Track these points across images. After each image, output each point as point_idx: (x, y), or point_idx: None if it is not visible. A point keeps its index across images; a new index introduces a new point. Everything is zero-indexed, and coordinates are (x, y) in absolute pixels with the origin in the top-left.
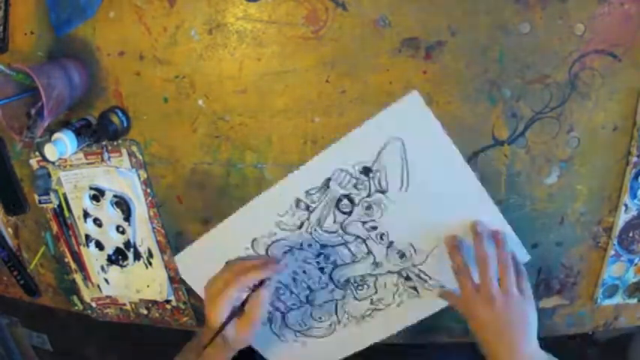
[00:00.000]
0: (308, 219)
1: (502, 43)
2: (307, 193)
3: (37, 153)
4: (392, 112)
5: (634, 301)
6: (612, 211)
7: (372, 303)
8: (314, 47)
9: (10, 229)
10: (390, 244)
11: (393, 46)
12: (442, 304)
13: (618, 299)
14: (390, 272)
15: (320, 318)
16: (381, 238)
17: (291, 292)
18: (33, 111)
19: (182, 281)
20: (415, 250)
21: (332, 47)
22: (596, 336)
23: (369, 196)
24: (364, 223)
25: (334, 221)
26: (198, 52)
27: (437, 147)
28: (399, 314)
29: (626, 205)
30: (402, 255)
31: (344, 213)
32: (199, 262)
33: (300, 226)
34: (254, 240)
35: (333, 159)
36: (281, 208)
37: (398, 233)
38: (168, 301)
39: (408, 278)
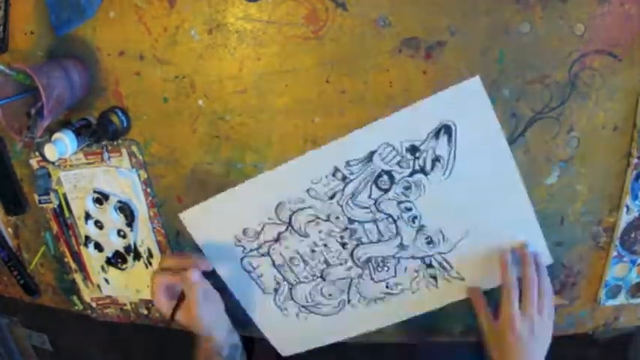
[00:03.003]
0: (342, 190)
1: (502, 43)
2: (347, 163)
3: (37, 153)
4: (450, 95)
5: (637, 301)
6: (612, 211)
7: (387, 287)
8: (314, 47)
9: (10, 229)
10: (421, 228)
11: (393, 46)
12: (454, 297)
13: (621, 300)
14: (413, 257)
15: (330, 295)
16: (413, 220)
17: (306, 264)
18: (33, 111)
19: None
20: (444, 238)
21: (332, 47)
22: (596, 336)
23: (410, 175)
24: (399, 202)
25: (369, 196)
26: (198, 52)
27: (488, 137)
28: (411, 302)
29: (627, 207)
30: (430, 241)
31: (381, 189)
32: (212, 219)
33: (332, 197)
34: (279, 204)
35: (382, 132)
36: (316, 175)
37: (431, 218)
38: None
39: (430, 265)
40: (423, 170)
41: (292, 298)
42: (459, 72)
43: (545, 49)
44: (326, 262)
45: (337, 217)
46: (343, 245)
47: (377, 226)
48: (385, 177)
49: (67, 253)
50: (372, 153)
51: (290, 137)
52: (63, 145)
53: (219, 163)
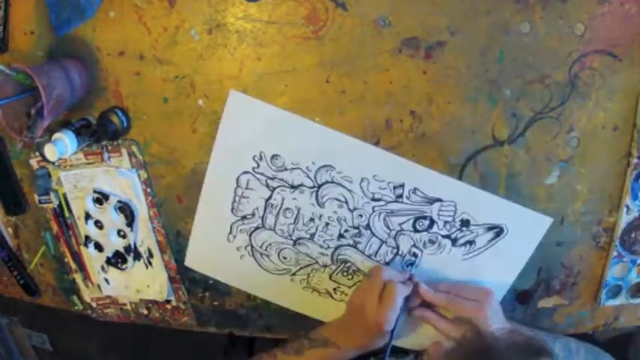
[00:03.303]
0: (387, 203)
1: (502, 43)
2: (415, 190)
3: (37, 153)
4: (521, 212)
5: (637, 301)
6: (612, 211)
7: (335, 291)
8: (314, 47)
9: (10, 229)
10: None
11: (393, 46)
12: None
13: (621, 300)
14: (414, 246)
15: (284, 259)
16: (409, 265)
17: (294, 223)
18: (33, 111)
19: (182, 281)
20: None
21: (332, 47)
22: (596, 336)
23: (443, 236)
24: (414, 245)
25: (400, 224)
26: (198, 52)
27: (516, 260)
28: (333, 306)
29: (627, 207)
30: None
31: (413, 228)
32: (255, 112)
33: (374, 200)
34: (327, 167)
35: (459, 194)
36: (382, 175)
37: (421, 274)
38: (168, 301)
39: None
40: (454, 240)
41: (249, 235)
42: (459, 72)
43: (545, 49)
44: (311, 235)
45: (360, 215)
46: (340, 236)
47: (380, 247)
48: (427, 223)
49: (67, 253)
50: (437, 200)
51: None
52: (63, 145)
53: None
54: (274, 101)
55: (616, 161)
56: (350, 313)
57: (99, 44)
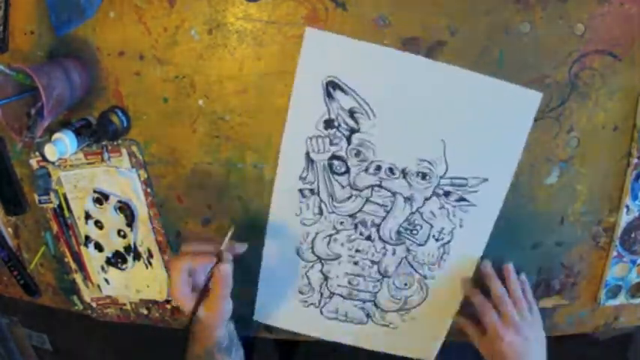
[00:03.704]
0: (322, 201)
1: (502, 43)
2: (301, 178)
3: (37, 153)
4: (306, 58)
5: (637, 301)
6: (612, 211)
7: (436, 240)
8: None
9: (10, 229)
10: (403, 172)
11: (393, 46)
12: (498, 198)
13: (621, 299)
14: (426, 199)
15: (405, 284)
16: (392, 172)
17: (364, 278)
18: (33, 111)
19: None
20: (430, 162)
21: None
22: (596, 336)
23: (349, 143)
24: (366, 170)
25: (342, 187)
26: (198, 52)
27: (364, 58)
28: (469, 233)
29: (627, 207)
30: (424, 175)
31: (342, 174)
32: (275, 303)
33: (321, 212)
34: (298, 250)
35: (296, 133)
36: (294, 207)
37: (402, 157)
38: (168, 301)
39: (447, 193)
40: (352, 130)
41: (383, 310)
42: None
43: (545, 49)
44: (372, 262)
45: (341, 223)
46: (369, 238)
47: (373, 202)
48: (335, 162)
49: (67, 253)
50: (308, 154)
51: None
52: (63, 145)
53: (219, 163)
54: (274, 101)
55: (616, 161)
56: None
57: (99, 44)
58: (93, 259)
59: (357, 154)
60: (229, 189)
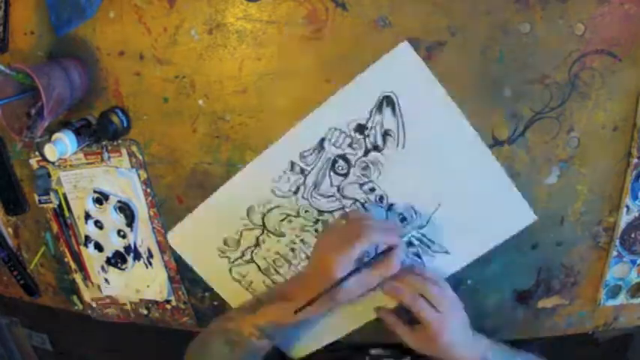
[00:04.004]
0: (304, 183)
1: (502, 43)
2: (301, 155)
3: (37, 153)
4: (382, 66)
5: (637, 301)
6: (613, 211)
7: None
8: (314, 47)
9: (10, 229)
10: (390, 207)
11: (393, 46)
12: (445, 273)
13: (621, 300)
14: None
15: None
16: (380, 200)
17: (289, 264)
18: (33, 111)
19: (182, 281)
20: (416, 213)
21: (332, 47)
22: (596, 336)
23: (365, 155)
24: (361, 185)
25: (331, 184)
26: (198, 52)
27: (433, 101)
28: None
29: (627, 207)
30: (403, 219)
31: (340, 175)
32: (194, 236)
33: (296, 192)
34: (249, 208)
35: (327, 118)
36: (275, 173)
37: (397, 194)
38: (168, 301)
39: (410, 244)
40: (375, 147)
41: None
42: (459, 72)
43: (545, 49)
44: (307, 257)
45: (306, 211)
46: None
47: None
48: (341, 162)
49: (67, 253)
50: (323, 140)
51: None
52: (63, 145)
53: (219, 163)
54: (274, 101)
55: (616, 161)
56: (311, 262)
57: (99, 44)
58: (93, 259)
59: (365, 168)
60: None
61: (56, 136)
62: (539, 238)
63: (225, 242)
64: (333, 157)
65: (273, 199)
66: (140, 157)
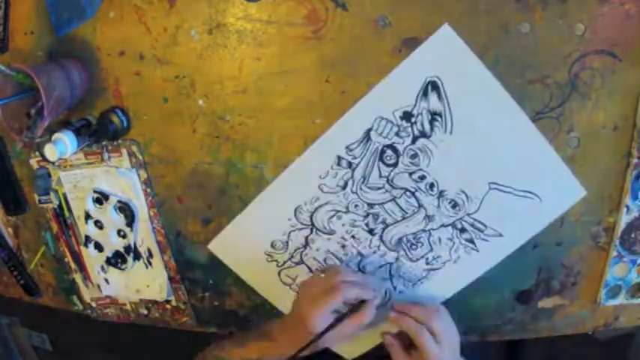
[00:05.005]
0: (352, 177)
1: (502, 43)
2: (348, 148)
3: (37, 153)
4: (425, 51)
5: (637, 301)
6: (612, 211)
7: (427, 263)
8: (314, 47)
9: (10, 229)
10: (441, 193)
11: (393, 46)
12: (500, 256)
13: (621, 300)
14: (443, 226)
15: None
16: (431, 188)
17: (341, 262)
18: (33, 111)
19: (182, 281)
20: (467, 198)
21: (332, 47)
22: (596, 336)
23: (413, 142)
24: (411, 173)
25: (380, 176)
26: (198, 52)
27: (477, 82)
28: (456, 272)
29: (627, 207)
30: (455, 204)
31: (389, 165)
32: (239, 242)
33: (345, 187)
34: (297, 209)
35: (372, 107)
36: (321, 169)
37: (448, 180)
38: (168, 301)
39: (463, 230)
40: (423, 134)
41: None
42: None
43: (545, 49)
44: (359, 254)
45: (356, 206)
46: (370, 232)
47: (397, 204)
48: (389, 151)
49: (67, 253)
50: (369, 131)
51: (290, 137)
52: (63, 145)
53: (219, 163)
54: (274, 101)
55: (616, 161)
56: (293, 308)
57: (99, 44)
58: (93, 259)
59: (414, 156)
60: (229, 189)
61: (56, 136)
62: (539, 238)
63: (272, 245)
64: (380, 148)
65: (320, 195)
66: (140, 157)
